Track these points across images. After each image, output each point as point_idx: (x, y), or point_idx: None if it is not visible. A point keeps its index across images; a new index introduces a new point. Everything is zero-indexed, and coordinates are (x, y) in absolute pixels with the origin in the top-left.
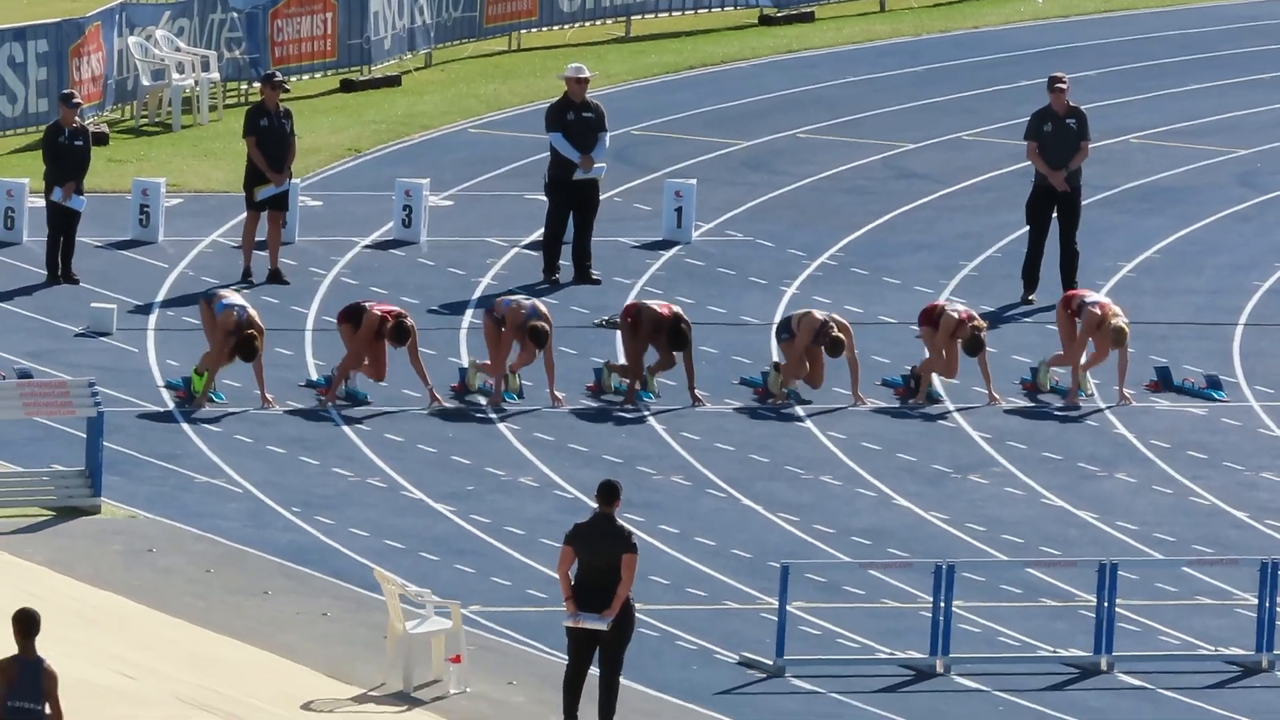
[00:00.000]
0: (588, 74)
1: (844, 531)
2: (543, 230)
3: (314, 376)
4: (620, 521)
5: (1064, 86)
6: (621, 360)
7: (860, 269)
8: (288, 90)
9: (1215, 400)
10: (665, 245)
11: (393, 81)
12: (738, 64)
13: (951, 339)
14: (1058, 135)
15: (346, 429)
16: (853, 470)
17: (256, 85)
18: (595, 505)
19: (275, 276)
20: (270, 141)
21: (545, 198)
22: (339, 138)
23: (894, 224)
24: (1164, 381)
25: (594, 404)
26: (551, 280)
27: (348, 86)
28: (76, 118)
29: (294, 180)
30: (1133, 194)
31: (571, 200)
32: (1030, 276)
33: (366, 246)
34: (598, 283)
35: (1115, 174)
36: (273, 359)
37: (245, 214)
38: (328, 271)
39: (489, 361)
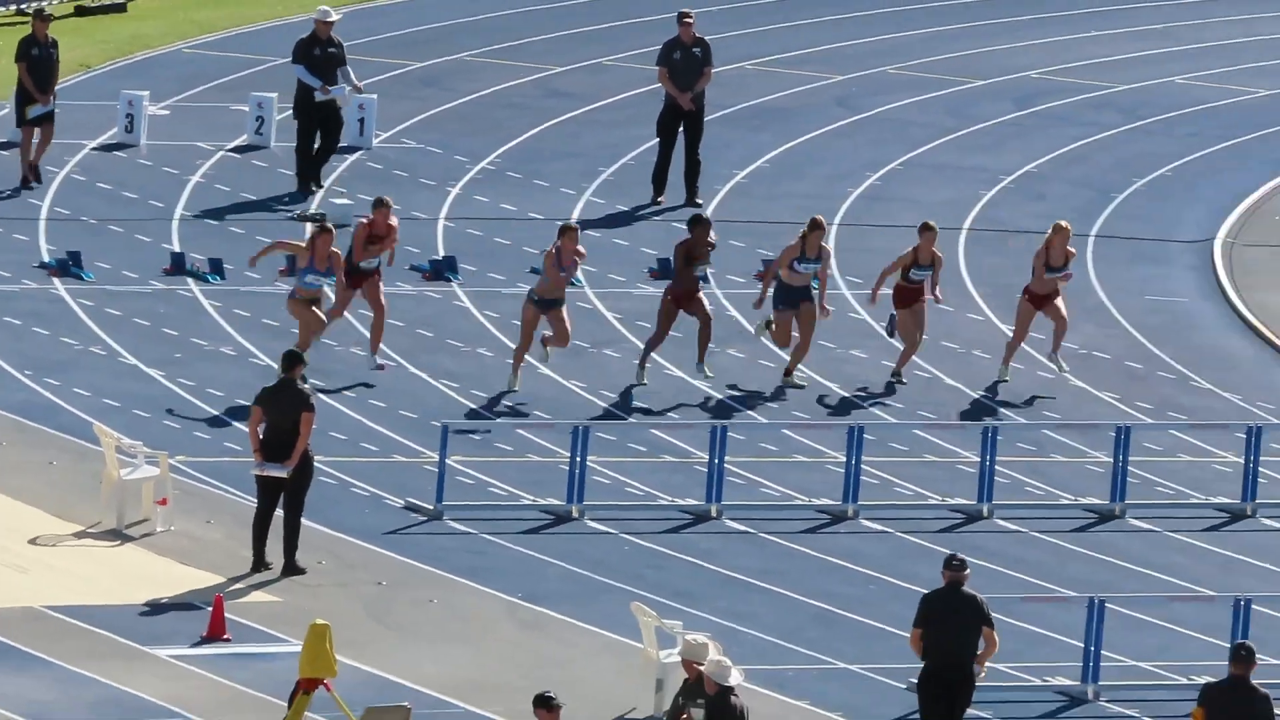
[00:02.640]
0: (334, 17)
1: (497, 396)
2: (295, 145)
3: (45, 258)
4: (301, 385)
5: (690, 20)
6: None
7: (515, 173)
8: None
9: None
10: (350, 150)
11: (119, 8)
12: None
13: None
14: (685, 62)
15: (73, 304)
16: (504, 344)
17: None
18: (281, 371)
19: (34, 172)
20: (39, 68)
21: (294, 118)
22: (72, 55)
23: (544, 135)
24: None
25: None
26: (307, 189)
27: (81, 11)
28: None
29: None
30: (746, 113)
31: (317, 120)
32: (659, 181)
33: (94, 149)
34: (320, 187)
35: (732, 96)
36: (10, 244)
37: (20, 129)
38: (60, 170)
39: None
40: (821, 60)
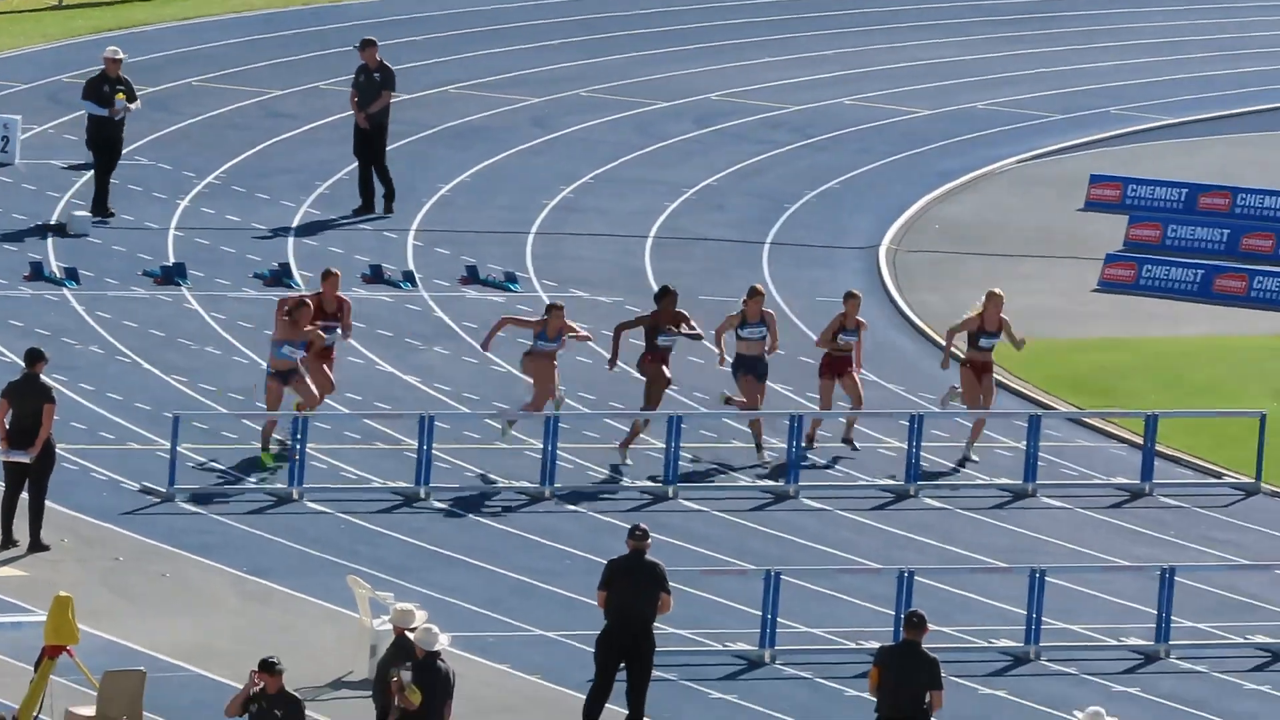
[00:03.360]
0: (121, 55)
1: (223, 389)
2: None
3: None
4: (44, 379)
5: (373, 46)
6: None
7: (239, 187)
8: None
9: (511, 291)
10: (86, 167)
11: None
12: (146, 27)
13: None
14: (367, 84)
15: None
16: (230, 342)
17: None
18: (25, 367)
19: None
20: None
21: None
22: None
23: (265, 153)
24: (473, 276)
25: (30, 291)
26: (104, 213)
27: None
28: None
29: None
30: (450, 132)
31: (106, 150)
32: (364, 194)
33: None
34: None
35: (437, 116)
36: None
37: None
38: None
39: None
40: (519, 84)
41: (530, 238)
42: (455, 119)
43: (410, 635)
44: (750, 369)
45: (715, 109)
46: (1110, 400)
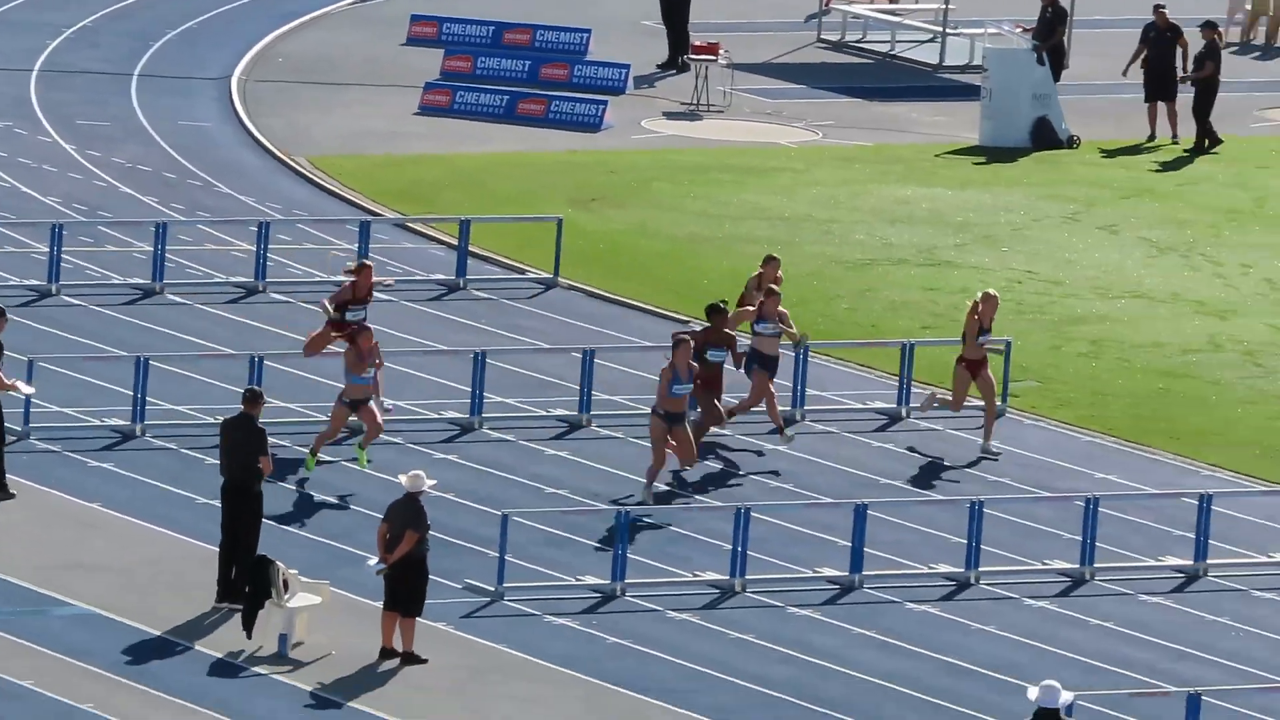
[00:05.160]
0: None
1: None
2: None
3: None
4: None
5: None
6: None
7: None
8: None
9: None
10: None
11: None
12: None
13: None
14: None
15: None
16: None
17: None
18: None
19: None
20: None
21: None
22: None
23: None
24: None
25: None
26: None
27: None
28: None
29: None
30: None
31: None
32: None
33: None
34: None
35: None
36: None
37: None
38: None
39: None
40: None
41: (33, 76)
42: None
43: None
44: (763, 364)
45: None
46: (430, 208)
